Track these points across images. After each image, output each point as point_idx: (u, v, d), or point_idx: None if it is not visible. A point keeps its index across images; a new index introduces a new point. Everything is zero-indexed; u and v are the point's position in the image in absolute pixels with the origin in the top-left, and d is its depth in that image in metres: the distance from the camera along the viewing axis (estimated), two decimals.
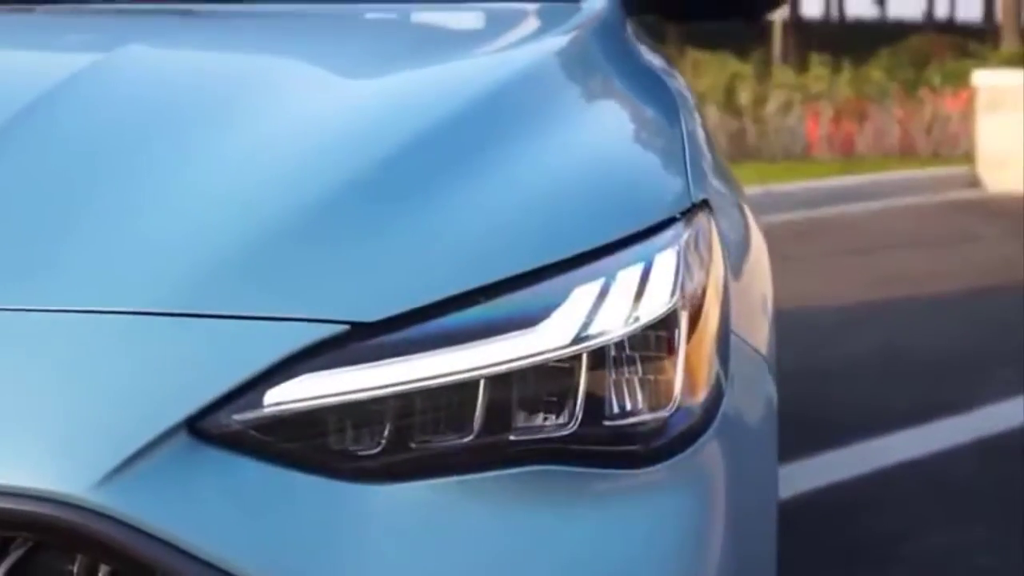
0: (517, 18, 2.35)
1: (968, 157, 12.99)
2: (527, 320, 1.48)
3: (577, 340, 1.49)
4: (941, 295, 7.28)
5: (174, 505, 1.38)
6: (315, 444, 1.43)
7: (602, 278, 1.52)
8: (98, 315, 1.44)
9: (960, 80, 14.40)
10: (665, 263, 1.55)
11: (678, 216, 1.62)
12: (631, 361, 1.52)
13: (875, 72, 15.67)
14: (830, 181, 11.75)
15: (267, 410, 1.42)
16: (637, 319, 1.52)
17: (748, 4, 2.60)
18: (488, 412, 1.46)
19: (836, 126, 14.30)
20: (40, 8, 2.48)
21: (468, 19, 2.45)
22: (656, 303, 1.53)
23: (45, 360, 1.41)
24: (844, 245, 9.15)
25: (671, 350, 1.54)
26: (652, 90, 2.13)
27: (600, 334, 1.50)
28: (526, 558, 1.45)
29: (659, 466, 1.51)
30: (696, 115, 2.06)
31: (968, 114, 13.53)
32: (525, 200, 1.61)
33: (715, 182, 1.91)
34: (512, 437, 1.47)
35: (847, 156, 13.81)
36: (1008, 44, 20.67)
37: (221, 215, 1.56)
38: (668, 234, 1.59)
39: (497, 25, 2.36)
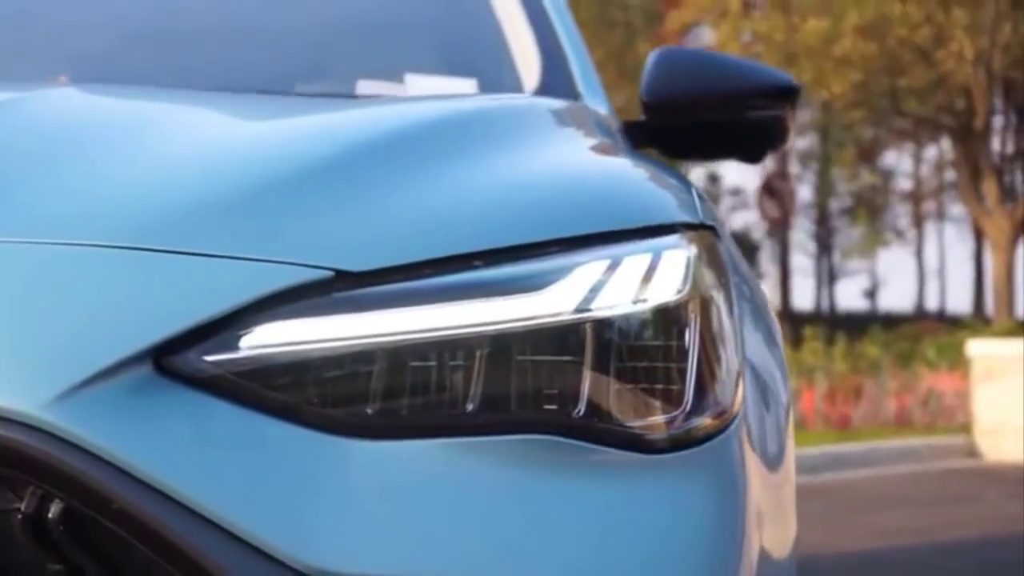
0: (519, 96, 2.41)
1: (965, 427, 12.95)
2: (527, 286, 1.44)
3: (579, 310, 1.45)
4: (945, 543, 7.20)
5: (136, 436, 1.32)
6: (294, 393, 1.37)
7: (608, 259, 1.49)
8: (64, 247, 1.40)
9: (955, 353, 14.45)
10: (674, 259, 1.53)
11: (680, 226, 1.60)
12: (641, 359, 1.48)
13: (870, 348, 15.75)
14: (827, 448, 11.68)
15: (242, 353, 1.37)
16: (644, 301, 1.48)
17: (747, 145, 2.62)
18: (486, 379, 1.41)
19: (831, 402, 14.28)
20: None
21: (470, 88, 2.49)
22: (665, 290, 1.50)
23: (3, 285, 1.36)
24: (845, 505, 9.06)
25: (682, 352, 1.50)
26: (662, 165, 2.12)
27: (604, 307, 1.46)
28: (521, 521, 1.39)
29: (669, 455, 1.47)
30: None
31: (964, 391, 13.54)
32: (530, 187, 1.61)
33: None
34: (513, 409, 1.42)
35: (843, 430, 13.75)
36: (1000, 321, 20.86)
37: (205, 165, 1.55)
38: (674, 237, 1.56)
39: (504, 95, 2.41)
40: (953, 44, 22.88)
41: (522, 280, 1.45)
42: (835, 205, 45.86)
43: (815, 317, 42.03)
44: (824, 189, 43.15)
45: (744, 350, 1.65)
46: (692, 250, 1.56)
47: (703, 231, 1.63)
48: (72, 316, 1.35)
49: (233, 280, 1.39)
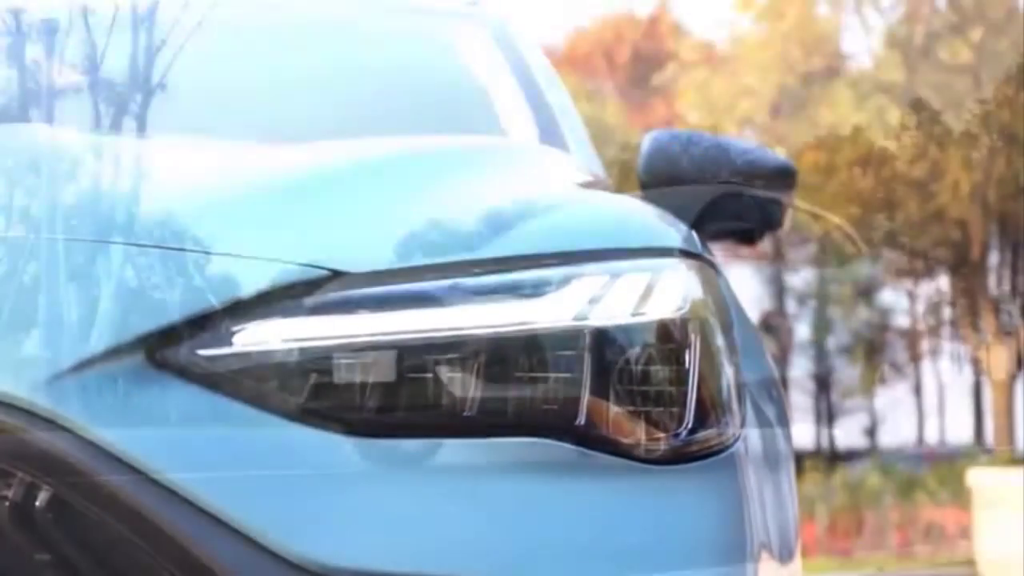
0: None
1: (968, 560, 12.85)
2: (526, 294, 1.44)
3: (577, 319, 1.45)
4: None
5: (127, 423, 1.32)
6: (287, 389, 1.37)
7: (608, 274, 1.49)
8: (61, 241, 1.41)
9: (956, 484, 14.38)
10: (673, 279, 1.53)
11: (680, 252, 1.60)
12: (642, 373, 1.48)
13: (871, 478, 15.70)
14: None
15: (236, 348, 1.37)
16: (642, 314, 1.48)
17: (743, 228, 2.62)
18: (484, 383, 1.41)
19: (831, 535, 14.19)
20: None
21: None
22: (663, 307, 1.50)
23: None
24: None
25: (683, 369, 1.50)
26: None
27: (602, 318, 1.46)
28: (516, 519, 1.39)
29: (671, 467, 1.47)
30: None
31: (966, 524, 13.47)
32: (531, 204, 1.61)
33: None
34: (509, 413, 1.41)
35: (845, 557, 13.66)
36: (1001, 451, 20.81)
37: (203, 172, 1.58)
38: (674, 260, 1.57)
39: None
40: (948, 177, 23.09)
41: (520, 288, 1.45)
42: (832, 343, 45.93)
43: (815, 455, 41.91)
44: (821, 327, 43.21)
45: (743, 376, 1.64)
46: (691, 275, 1.57)
47: (703, 263, 1.63)
48: (65, 304, 1.36)
49: (228, 276, 1.39)
